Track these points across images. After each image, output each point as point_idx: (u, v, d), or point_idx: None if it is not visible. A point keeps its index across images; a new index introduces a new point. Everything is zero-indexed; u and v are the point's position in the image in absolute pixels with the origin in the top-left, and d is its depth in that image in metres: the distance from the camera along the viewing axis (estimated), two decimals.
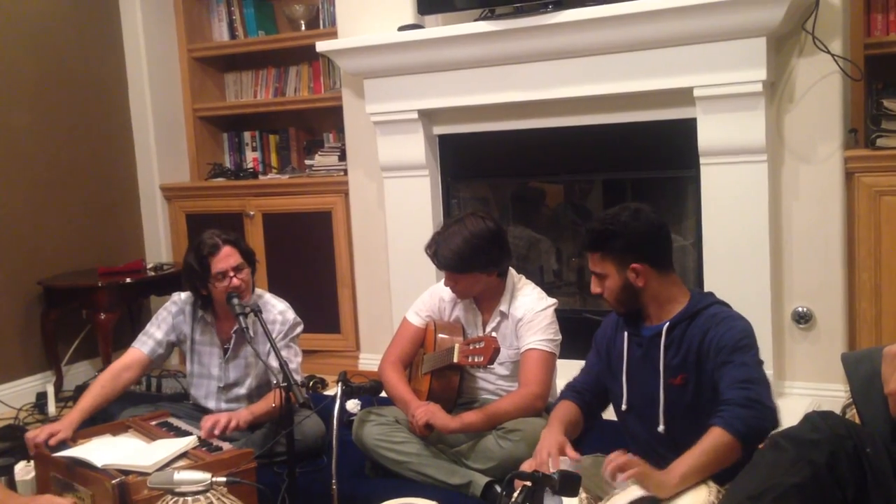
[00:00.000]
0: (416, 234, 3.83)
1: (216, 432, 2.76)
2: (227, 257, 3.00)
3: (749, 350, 2.21)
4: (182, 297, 3.19)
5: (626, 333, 2.39)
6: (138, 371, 3.09)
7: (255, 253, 3.18)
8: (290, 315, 3.14)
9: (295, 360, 3.07)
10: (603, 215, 2.36)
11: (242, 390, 3.15)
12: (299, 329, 3.17)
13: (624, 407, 2.39)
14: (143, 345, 3.11)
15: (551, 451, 2.26)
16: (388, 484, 2.80)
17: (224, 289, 2.98)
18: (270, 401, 2.90)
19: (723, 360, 2.19)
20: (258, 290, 3.17)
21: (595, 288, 2.37)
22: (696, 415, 2.23)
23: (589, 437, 2.52)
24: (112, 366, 3.10)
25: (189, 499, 2.12)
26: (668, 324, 2.30)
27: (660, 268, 2.31)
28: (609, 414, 2.53)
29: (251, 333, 2.88)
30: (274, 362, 2.75)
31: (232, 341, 3.12)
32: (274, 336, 2.99)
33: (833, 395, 3.36)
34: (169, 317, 3.17)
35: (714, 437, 2.08)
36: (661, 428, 2.30)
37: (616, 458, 2.08)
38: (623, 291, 2.32)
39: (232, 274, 2.98)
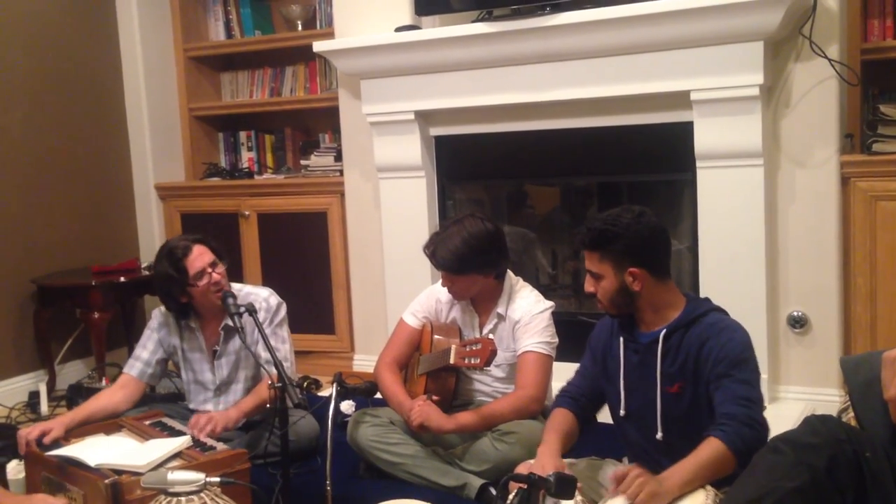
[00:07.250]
0: (412, 236, 3.83)
1: (208, 433, 2.74)
2: (200, 255, 2.97)
3: (748, 364, 2.18)
4: (162, 310, 3.15)
5: (621, 339, 2.36)
6: (133, 395, 3.07)
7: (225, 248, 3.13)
8: (274, 300, 3.11)
9: (283, 348, 3.04)
10: (605, 215, 2.30)
11: (239, 385, 3.12)
12: (283, 311, 3.12)
13: (622, 413, 2.36)
14: (132, 368, 3.09)
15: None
16: (383, 485, 2.80)
17: (205, 287, 2.96)
18: (259, 395, 2.90)
19: (722, 373, 2.16)
20: (236, 285, 3.13)
21: (589, 287, 2.32)
22: (691, 423, 2.22)
23: (584, 440, 2.50)
24: (107, 389, 3.11)
25: (183, 499, 2.12)
26: (664, 331, 2.27)
27: (657, 274, 2.27)
28: (605, 417, 2.52)
29: (244, 328, 2.86)
30: (266, 356, 2.72)
31: (220, 338, 3.09)
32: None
33: (828, 399, 3.37)
34: (153, 334, 3.14)
35: (714, 449, 2.06)
36: (659, 435, 2.27)
37: (625, 476, 2.02)
38: (618, 294, 2.27)
39: (210, 270, 2.96)
